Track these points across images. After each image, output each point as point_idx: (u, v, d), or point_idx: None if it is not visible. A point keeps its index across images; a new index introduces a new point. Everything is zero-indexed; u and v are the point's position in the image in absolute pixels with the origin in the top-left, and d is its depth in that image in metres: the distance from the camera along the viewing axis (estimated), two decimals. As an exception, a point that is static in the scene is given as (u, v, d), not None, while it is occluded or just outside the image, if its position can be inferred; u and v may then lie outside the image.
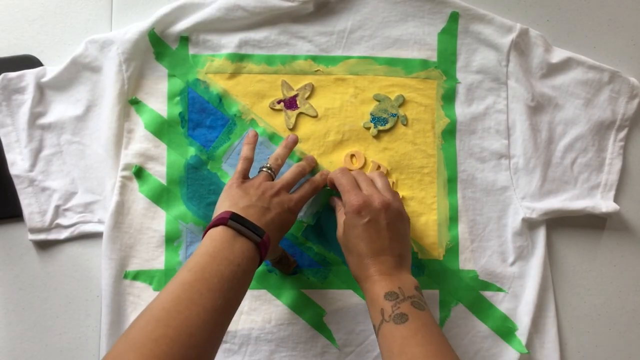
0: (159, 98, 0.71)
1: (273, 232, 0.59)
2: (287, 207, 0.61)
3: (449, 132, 0.71)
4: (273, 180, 0.64)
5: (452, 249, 0.70)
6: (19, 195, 0.69)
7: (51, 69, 0.70)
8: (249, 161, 0.65)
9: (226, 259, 0.54)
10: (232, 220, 0.56)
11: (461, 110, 0.71)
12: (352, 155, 0.71)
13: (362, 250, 0.58)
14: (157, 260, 0.69)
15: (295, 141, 0.69)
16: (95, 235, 0.70)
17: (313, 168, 0.69)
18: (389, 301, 0.55)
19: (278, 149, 0.67)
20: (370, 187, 0.62)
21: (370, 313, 0.57)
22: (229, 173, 0.70)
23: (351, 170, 0.67)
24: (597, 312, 0.71)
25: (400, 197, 0.67)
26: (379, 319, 0.55)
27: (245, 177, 0.64)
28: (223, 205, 0.60)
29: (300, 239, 0.70)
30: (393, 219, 0.60)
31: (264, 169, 0.65)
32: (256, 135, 0.67)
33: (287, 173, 0.65)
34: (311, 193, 0.66)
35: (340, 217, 0.62)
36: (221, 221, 0.56)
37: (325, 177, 0.67)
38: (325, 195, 0.70)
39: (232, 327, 0.68)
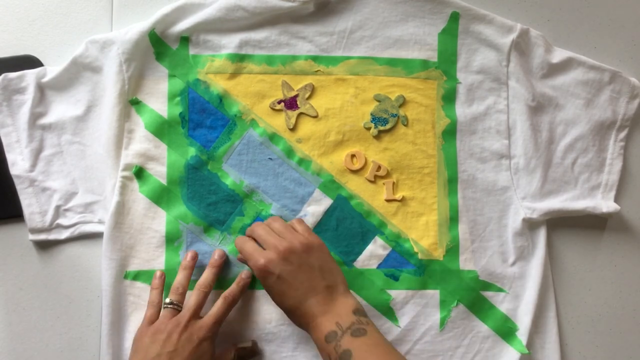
0: (159, 98, 0.70)
1: None
2: (198, 339, 0.61)
3: (450, 133, 0.71)
4: (179, 311, 0.63)
5: (453, 249, 0.70)
6: (19, 196, 0.69)
7: (52, 69, 0.70)
8: (156, 306, 0.64)
9: None
10: None
11: (461, 110, 0.71)
12: (353, 156, 0.71)
13: (289, 303, 0.58)
14: (157, 260, 0.69)
15: (195, 258, 0.67)
16: (96, 236, 0.70)
17: (222, 260, 0.67)
18: (330, 343, 0.55)
19: (177, 275, 0.66)
20: (271, 235, 0.60)
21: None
22: (229, 173, 0.70)
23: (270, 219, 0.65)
24: (598, 312, 0.72)
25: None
26: None
27: (151, 322, 0.63)
28: (135, 358, 0.60)
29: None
30: (304, 256, 0.59)
31: (167, 306, 0.63)
32: (163, 276, 0.67)
33: (191, 297, 0.63)
34: (226, 309, 0.64)
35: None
36: None
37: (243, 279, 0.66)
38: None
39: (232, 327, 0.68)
